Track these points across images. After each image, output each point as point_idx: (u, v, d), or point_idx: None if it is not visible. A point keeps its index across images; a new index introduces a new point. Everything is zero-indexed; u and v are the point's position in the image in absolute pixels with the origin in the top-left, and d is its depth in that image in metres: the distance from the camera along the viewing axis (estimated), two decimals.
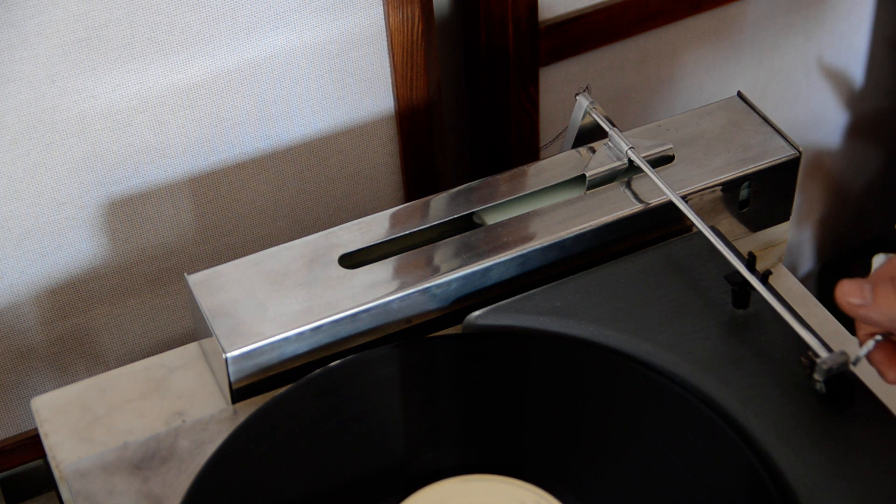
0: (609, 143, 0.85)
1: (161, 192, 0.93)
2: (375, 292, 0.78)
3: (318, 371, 0.76)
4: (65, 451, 0.75)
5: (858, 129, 1.39)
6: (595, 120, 0.86)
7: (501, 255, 0.80)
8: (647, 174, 0.83)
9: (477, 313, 0.79)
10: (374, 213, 0.83)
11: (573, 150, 0.86)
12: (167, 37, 0.88)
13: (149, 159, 0.92)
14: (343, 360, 0.77)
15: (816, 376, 0.71)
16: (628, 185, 0.84)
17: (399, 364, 0.77)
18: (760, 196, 0.86)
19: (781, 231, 0.89)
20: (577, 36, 1.09)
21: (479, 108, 1.09)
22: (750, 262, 0.77)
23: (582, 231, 0.81)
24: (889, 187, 1.47)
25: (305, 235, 0.82)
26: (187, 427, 0.75)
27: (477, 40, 1.05)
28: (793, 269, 1.45)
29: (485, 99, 1.08)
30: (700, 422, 0.71)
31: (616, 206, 0.83)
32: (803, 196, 1.40)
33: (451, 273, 0.79)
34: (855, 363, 0.70)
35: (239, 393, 0.77)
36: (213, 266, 0.80)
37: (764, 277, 0.76)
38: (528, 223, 0.82)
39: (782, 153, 0.85)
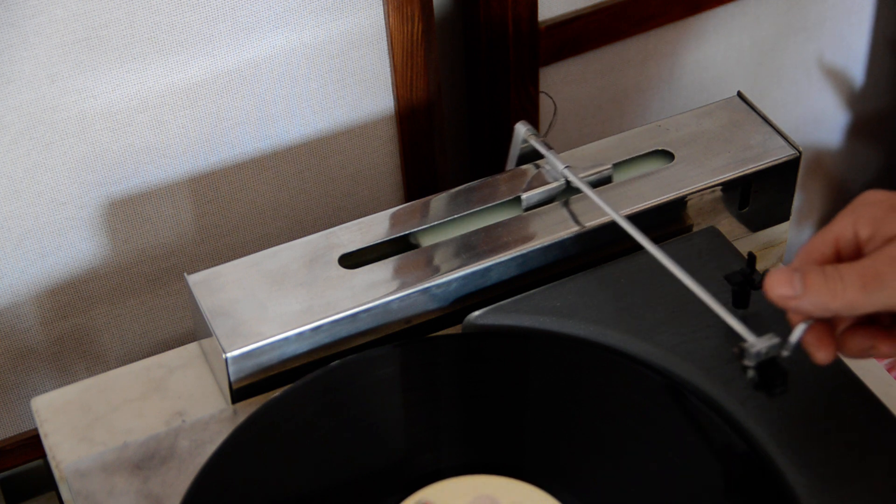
0: (546, 165, 0.85)
1: (161, 192, 0.93)
2: (375, 292, 0.78)
3: (318, 371, 0.76)
4: (65, 451, 0.75)
5: (858, 129, 1.39)
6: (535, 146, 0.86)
7: (501, 255, 0.80)
8: (586, 195, 0.82)
9: (477, 313, 0.79)
10: (374, 213, 0.83)
11: (518, 168, 0.86)
12: (167, 37, 0.88)
13: (149, 159, 0.92)
14: (343, 360, 0.77)
15: (746, 362, 0.67)
16: (566, 205, 0.83)
17: (399, 364, 0.77)
18: (760, 196, 0.86)
19: (781, 231, 0.89)
20: (577, 36, 1.09)
21: (479, 108, 1.09)
22: (750, 262, 0.77)
23: (582, 231, 0.81)
24: (890, 187, 1.47)
25: (305, 235, 0.82)
26: (187, 427, 0.75)
27: (477, 40, 1.05)
28: None
29: (485, 99, 1.08)
30: (700, 422, 0.71)
31: (616, 205, 0.83)
32: (803, 196, 1.40)
33: (451, 273, 0.79)
34: (788, 350, 0.66)
35: (239, 393, 0.77)
36: (213, 266, 0.80)
37: (763, 278, 0.76)
38: (528, 223, 0.82)
39: (782, 153, 0.85)
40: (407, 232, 0.82)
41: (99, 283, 0.94)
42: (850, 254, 0.64)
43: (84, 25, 0.85)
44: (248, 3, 0.89)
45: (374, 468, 0.71)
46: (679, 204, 0.84)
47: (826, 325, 0.65)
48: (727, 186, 0.84)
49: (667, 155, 0.86)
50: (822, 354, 0.64)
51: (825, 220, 1.45)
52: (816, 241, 0.65)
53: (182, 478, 0.72)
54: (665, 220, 0.84)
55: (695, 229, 0.85)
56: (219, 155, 0.94)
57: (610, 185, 0.84)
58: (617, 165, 0.85)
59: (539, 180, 0.84)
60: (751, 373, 0.67)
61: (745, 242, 0.88)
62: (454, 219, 0.83)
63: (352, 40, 0.95)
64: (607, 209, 0.80)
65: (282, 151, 0.97)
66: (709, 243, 0.82)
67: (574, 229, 0.81)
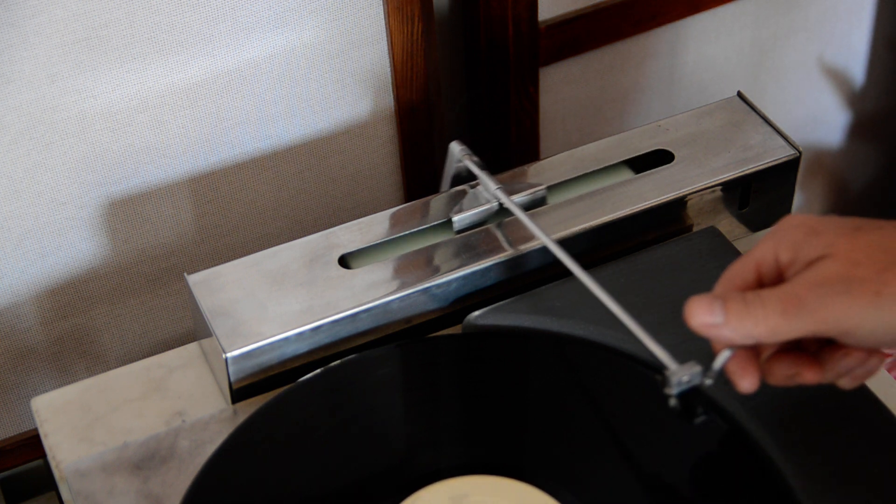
0: (480, 186, 0.83)
1: (161, 192, 0.93)
2: (375, 292, 0.78)
3: (318, 371, 0.76)
4: (65, 451, 0.75)
5: (859, 129, 1.39)
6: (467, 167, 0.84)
7: (501, 255, 0.80)
8: (518, 217, 0.80)
9: (477, 313, 0.79)
10: (374, 213, 0.83)
11: (450, 191, 0.84)
12: (167, 37, 0.88)
13: (149, 159, 0.92)
14: (343, 360, 0.77)
15: (668, 391, 0.66)
16: (499, 227, 0.82)
17: (399, 364, 0.77)
18: (760, 196, 0.86)
19: None
20: (577, 36, 1.09)
21: (479, 109, 1.09)
22: None
23: (582, 231, 0.81)
24: (889, 187, 1.47)
25: (305, 235, 0.82)
26: (187, 427, 0.75)
27: (477, 40, 1.04)
28: None
29: (485, 99, 1.08)
30: (700, 422, 0.71)
31: (615, 205, 0.83)
32: (803, 196, 1.40)
33: (451, 273, 0.79)
34: (711, 379, 0.65)
35: (239, 393, 0.77)
36: (213, 266, 0.80)
37: None
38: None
39: (782, 153, 0.85)
40: (405, 233, 0.82)
41: (99, 283, 0.94)
42: (772, 279, 0.63)
43: (84, 25, 0.85)
44: (248, 3, 0.89)
45: (374, 468, 0.71)
46: (679, 204, 0.84)
47: (750, 352, 0.63)
48: (727, 186, 0.84)
49: (666, 155, 0.86)
50: (745, 382, 0.63)
51: None
52: (738, 266, 0.64)
53: (182, 478, 0.72)
54: (665, 220, 0.84)
55: (695, 229, 0.85)
56: (219, 155, 0.94)
57: (609, 185, 0.84)
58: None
59: (472, 202, 0.82)
60: (672, 401, 0.66)
61: (745, 242, 0.88)
62: (386, 241, 0.81)
63: (352, 40, 0.95)
64: (537, 232, 0.78)
65: (282, 151, 0.97)
66: (709, 243, 0.82)
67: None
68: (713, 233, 0.83)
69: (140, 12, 0.86)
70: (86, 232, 0.92)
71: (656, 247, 0.82)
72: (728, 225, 0.86)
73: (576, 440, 0.72)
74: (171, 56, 0.89)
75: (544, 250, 0.81)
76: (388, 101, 0.99)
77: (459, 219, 0.81)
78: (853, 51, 1.31)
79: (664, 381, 0.66)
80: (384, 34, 0.95)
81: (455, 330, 0.81)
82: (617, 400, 0.74)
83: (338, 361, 0.77)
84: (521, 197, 0.82)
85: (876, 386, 0.75)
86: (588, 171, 0.85)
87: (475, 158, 0.83)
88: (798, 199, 1.39)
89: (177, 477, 0.72)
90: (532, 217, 0.80)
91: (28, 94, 0.85)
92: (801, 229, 0.62)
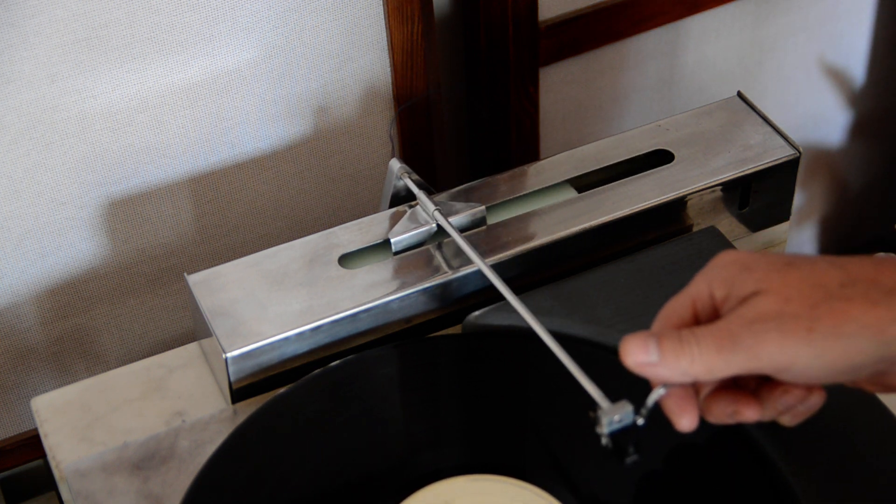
0: (419, 206, 0.83)
1: (161, 192, 0.93)
2: (375, 292, 0.78)
3: (317, 371, 0.76)
4: (65, 451, 0.75)
5: (859, 129, 1.39)
6: (408, 185, 0.83)
7: (501, 255, 0.80)
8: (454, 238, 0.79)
9: (477, 313, 0.79)
10: (374, 213, 0.83)
11: (389, 211, 0.84)
12: (167, 37, 0.88)
13: (149, 159, 0.92)
14: (343, 360, 0.77)
15: (599, 430, 0.64)
16: (439, 248, 0.81)
17: (399, 364, 0.77)
18: (760, 196, 0.86)
19: (781, 231, 0.89)
20: (577, 36, 1.09)
21: (479, 109, 1.09)
22: None
23: (581, 231, 0.81)
24: (890, 187, 1.47)
25: (305, 235, 0.82)
26: (187, 427, 0.75)
27: (477, 40, 1.04)
28: None
29: (485, 99, 1.08)
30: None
31: (616, 205, 0.83)
32: (803, 196, 1.40)
33: (451, 273, 0.79)
34: (643, 416, 0.64)
35: (239, 393, 0.77)
36: (213, 266, 0.80)
37: None
38: (527, 223, 0.82)
39: (782, 153, 0.85)
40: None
41: (99, 283, 0.94)
42: (708, 315, 0.63)
43: (84, 25, 0.84)
44: (248, 3, 0.89)
45: (374, 468, 0.71)
46: (679, 204, 0.84)
47: (688, 389, 0.63)
48: (727, 186, 0.84)
49: (666, 155, 0.86)
50: (684, 421, 0.62)
51: (825, 220, 1.45)
52: (673, 304, 0.63)
53: (182, 478, 0.72)
54: (665, 220, 0.84)
55: (695, 229, 0.85)
56: (219, 155, 0.94)
57: (609, 185, 0.84)
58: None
59: (413, 221, 0.82)
60: (604, 440, 0.65)
61: (745, 242, 0.88)
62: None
63: (352, 40, 0.95)
64: (473, 255, 0.77)
65: (282, 151, 0.97)
66: (709, 243, 0.82)
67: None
68: (713, 233, 0.83)
69: (140, 12, 0.86)
70: (86, 232, 0.92)
71: (656, 247, 0.82)
72: (728, 225, 0.86)
73: (576, 440, 0.72)
74: (171, 56, 0.89)
75: (545, 250, 0.81)
76: (388, 101, 0.99)
77: (397, 240, 0.81)
78: (853, 51, 1.31)
79: (596, 420, 0.65)
80: (384, 34, 0.95)
81: (455, 330, 0.81)
82: (616, 400, 0.74)
83: (338, 361, 0.77)
84: (460, 217, 0.81)
85: None
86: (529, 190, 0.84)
87: (415, 177, 0.83)
88: (798, 199, 1.39)
89: (177, 477, 0.72)
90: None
91: (28, 94, 0.85)
92: (734, 266, 0.62)
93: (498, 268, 0.80)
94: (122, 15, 0.85)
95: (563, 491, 0.70)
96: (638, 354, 0.61)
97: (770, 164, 0.85)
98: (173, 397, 0.78)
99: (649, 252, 0.82)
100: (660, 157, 0.86)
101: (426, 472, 0.71)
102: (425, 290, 0.79)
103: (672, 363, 0.60)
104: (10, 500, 1.06)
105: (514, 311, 0.78)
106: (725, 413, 0.63)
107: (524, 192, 0.84)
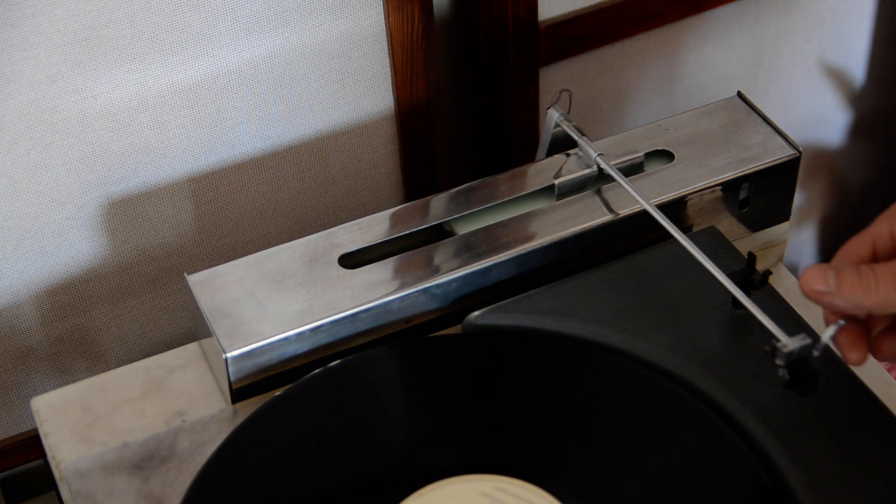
0: (579, 152, 0.85)
1: (161, 192, 0.93)
2: (375, 292, 0.78)
3: (317, 371, 0.76)
4: (65, 451, 0.75)
5: (859, 129, 1.39)
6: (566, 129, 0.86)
7: (501, 255, 0.80)
8: (618, 182, 0.82)
9: (477, 313, 0.79)
10: (374, 213, 0.83)
11: (549, 159, 0.86)
12: (167, 37, 0.88)
13: (149, 159, 0.92)
14: (343, 360, 0.77)
15: (778, 361, 0.69)
16: (599, 193, 0.83)
17: (399, 364, 0.77)
18: (760, 196, 0.86)
19: (781, 231, 0.89)
20: (577, 36, 1.09)
21: (479, 109, 1.09)
22: (750, 262, 0.77)
23: (582, 231, 0.81)
24: (890, 187, 1.47)
25: (305, 235, 0.82)
26: (187, 427, 0.75)
27: (477, 40, 1.04)
28: (793, 269, 1.45)
29: (485, 99, 1.08)
30: (700, 422, 0.71)
31: (615, 205, 0.83)
32: (803, 196, 1.40)
33: (451, 273, 0.79)
34: (819, 349, 0.68)
35: (239, 393, 0.77)
36: (213, 266, 0.80)
37: (763, 278, 0.76)
38: (528, 223, 0.82)
39: (782, 153, 0.85)
40: (407, 232, 0.82)
41: (99, 283, 0.94)
42: (888, 254, 0.65)
43: (84, 25, 0.85)
44: (248, 3, 0.89)
45: (374, 468, 0.71)
46: (679, 204, 0.84)
47: (860, 326, 0.66)
48: (727, 186, 0.84)
49: (666, 155, 0.86)
50: (854, 355, 0.66)
51: (825, 220, 1.45)
52: (854, 242, 0.66)
53: (182, 478, 0.72)
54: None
55: (695, 229, 0.85)
56: (219, 155, 0.94)
57: (609, 185, 0.84)
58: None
59: (571, 167, 0.85)
60: (781, 371, 0.68)
61: (745, 242, 0.88)
62: (490, 207, 0.83)
63: (352, 40, 0.95)
64: (637, 196, 0.80)
65: (282, 151, 0.97)
66: (709, 243, 0.82)
67: (608, 217, 0.82)
68: (713, 233, 0.83)
69: (140, 12, 0.86)
70: (86, 232, 0.92)
71: (656, 247, 0.82)
72: (728, 225, 0.86)
73: (576, 440, 0.72)
74: (171, 56, 0.89)
75: (544, 250, 0.81)
76: (388, 101, 0.99)
77: (562, 182, 0.83)
78: (853, 51, 1.31)
79: (774, 352, 0.68)
80: (384, 34, 0.95)
81: (455, 330, 0.81)
82: (617, 400, 0.74)
83: (338, 361, 0.77)
84: (619, 163, 0.84)
85: (876, 386, 0.75)
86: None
87: (574, 123, 0.86)
88: (798, 199, 1.39)
89: (177, 477, 0.72)
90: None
91: (28, 94, 0.85)
92: None
93: (497, 268, 0.80)
94: (122, 15, 0.85)
95: (563, 491, 0.70)
96: (817, 282, 0.64)
97: (770, 164, 0.85)
98: (173, 397, 0.78)
99: (649, 252, 0.82)
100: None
101: (426, 472, 0.71)
102: (425, 290, 0.79)
103: (849, 294, 0.63)
104: (10, 500, 1.06)
105: (513, 311, 0.78)
106: (894, 352, 0.66)
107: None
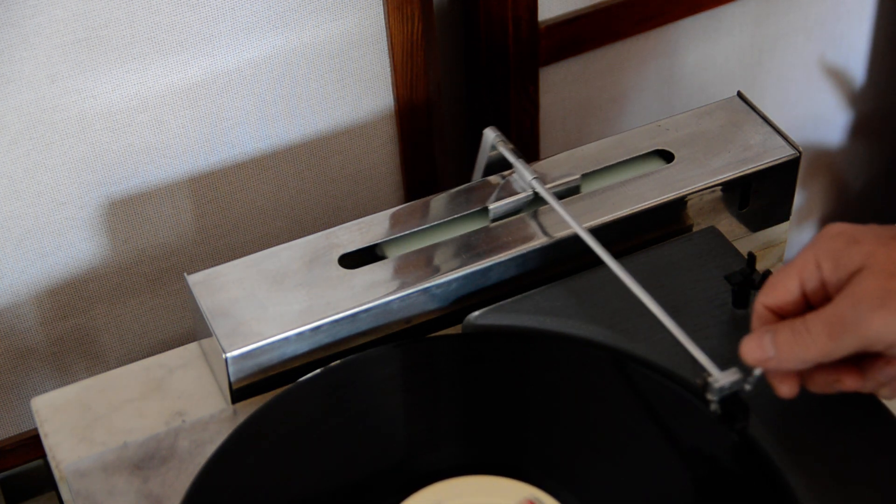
0: (515, 175, 0.84)
1: (161, 192, 0.93)
2: (375, 292, 0.78)
3: (317, 371, 0.76)
4: (65, 451, 0.75)
5: (859, 129, 1.39)
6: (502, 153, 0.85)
7: (501, 255, 0.80)
8: (552, 206, 0.81)
9: (477, 313, 0.79)
10: (374, 213, 0.83)
11: (484, 180, 0.85)
12: (167, 37, 0.88)
13: (149, 159, 0.92)
14: (343, 360, 0.77)
15: (710, 396, 0.68)
16: (535, 216, 0.82)
17: (399, 364, 0.77)
18: (760, 196, 0.86)
19: (781, 231, 0.89)
20: (577, 36, 1.09)
21: (479, 109, 1.09)
22: (750, 262, 0.77)
23: (590, 228, 0.81)
24: (890, 187, 1.47)
25: (305, 235, 0.82)
26: (187, 427, 0.75)
27: (477, 40, 1.05)
28: None
29: (485, 99, 1.08)
30: (700, 422, 0.71)
31: (616, 205, 0.83)
32: (804, 196, 1.40)
33: (451, 273, 0.79)
34: (751, 383, 0.68)
35: (239, 393, 0.77)
36: (213, 266, 0.80)
37: (763, 278, 0.75)
38: (528, 223, 0.82)
39: (782, 153, 0.85)
40: (405, 233, 0.82)
41: (99, 283, 0.94)
42: (815, 287, 0.65)
43: (84, 25, 0.85)
44: (248, 3, 0.89)
45: (374, 468, 0.71)
46: (679, 204, 0.84)
47: None
48: (727, 186, 0.84)
49: (666, 155, 0.86)
50: (785, 388, 0.66)
51: (825, 220, 1.45)
52: (781, 276, 0.66)
53: (182, 478, 0.72)
54: (665, 220, 0.84)
55: (695, 229, 0.85)
56: (219, 155, 0.94)
57: (609, 185, 0.84)
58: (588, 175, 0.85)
59: (507, 190, 0.83)
60: (713, 406, 0.68)
61: (745, 242, 0.88)
62: (420, 230, 0.82)
63: (352, 40, 0.95)
64: (571, 221, 0.79)
65: (282, 151, 0.97)
66: (709, 243, 0.82)
67: (542, 241, 0.81)
68: (713, 233, 0.83)
69: (140, 12, 0.86)
70: (86, 232, 0.92)
71: (656, 247, 0.82)
72: (728, 225, 0.86)
73: (576, 440, 0.72)
74: (171, 56, 0.89)
75: (544, 250, 0.81)
76: (388, 101, 0.99)
77: (496, 207, 0.82)
78: (853, 51, 1.31)
79: (705, 386, 0.68)
80: (384, 34, 0.95)
81: (455, 330, 0.81)
82: (617, 400, 0.74)
83: (338, 361, 0.77)
84: (554, 186, 0.83)
85: None
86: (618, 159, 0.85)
87: (510, 146, 0.84)
88: (798, 198, 1.39)
89: (177, 477, 0.72)
90: (564, 206, 0.81)
91: (28, 94, 0.85)
92: (840, 238, 0.64)
93: (497, 268, 0.80)
94: (122, 15, 0.85)
95: (563, 491, 0.70)
96: (756, 352, 0.64)
97: (770, 164, 0.85)
98: (173, 397, 0.78)
99: (649, 252, 0.82)
100: (660, 157, 0.86)
101: (426, 472, 0.71)
102: (425, 290, 0.79)
103: (789, 355, 0.63)
104: (10, 500, 1.06)
105: (513, 311, 0.78)
106: (827, 382, 0.66)
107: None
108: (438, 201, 0.83)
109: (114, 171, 0.91)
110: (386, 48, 0.96)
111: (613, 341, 0.76)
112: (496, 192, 0.83)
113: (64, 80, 0.86)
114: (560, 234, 0.81)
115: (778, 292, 0.65)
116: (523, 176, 0.83)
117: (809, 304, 0.66)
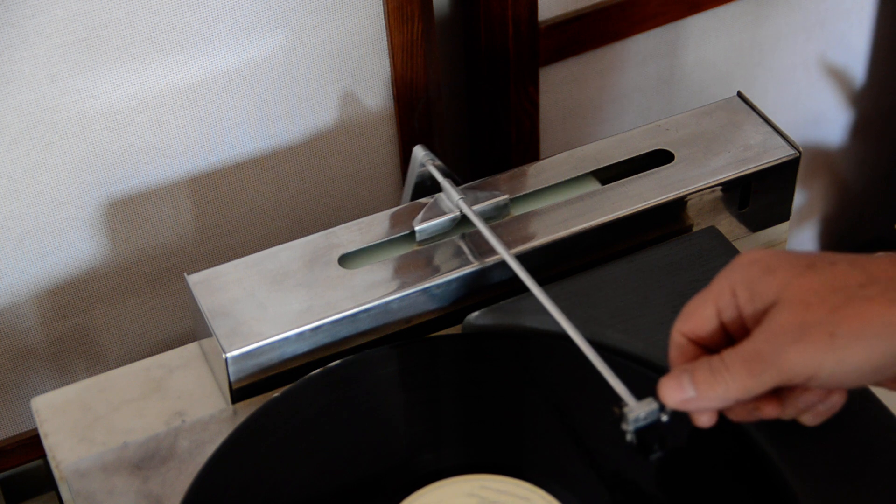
0: (443, 195, 0.83)
1: (161, 192, 0.93)
2: (375, 292, 0.78)
3: (317, 371, 0.76)
4: (65, 451, 0.75)
5: (859, 129, 1.39)
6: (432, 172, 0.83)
7: (500, 255, 0.80)
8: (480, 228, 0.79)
9: (477, 313, 0.79)
10: (374, 213, 0.83)
11: (415, 202, 0.83)
12: (167, 37, 0.88)
13: (149, 159, 0.92)
14: (343, 360, 0.77)
15: (625, 426, 0.67)
16: (464, 238, 0.81)
17: (399, 364, 0.77)
18: (760, 196, 0.86)
19: (781, 231, 0.89)
20: (577, 36, 1.09)
21: (479, 109, 1.09)
22: None
23: (581, 231, 0.81)
24: (890, 187, 1.47)
25: (305, 235, 0.82)
26: (187, 427, 0.75)
27: (477, 40, 1.05)
28: None
29: (485, 99, 1.08)
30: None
31: (616, 205, 0.83)
32: (804, 196, 1.40)
33: (451, 273, 0.79)
34: (667, 413, 0.66)
35: (239, 393, 0.77)
36: (213, 266, 0.80)
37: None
38: (528, 223, 0.82)
39: (782, 153, 0.85)
40: (408, 232, 0.82)
41: (99, 283, 0.94)
42: (731, 314, 0.64)
43: (84, 25, 0.85)
44: (248, 3, 0.89)
45: (374, 468, 0.71)
46: (679, 204, 0.84)
47: None
48: (727, 186, 0.84)
49: (666, 155, 0.86)
50: (704, 419, 0.64)
51: (825, 220, 1.45)
52: (697, 301, 0.64)
53: (182, 478, 0.72)
54: (665, 220, 0.84)
55: (695, 229, 0.85)
56: (219, 155, 0.94)
57: (608, 185, 0.84)
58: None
59: (434, 211, 0.82)
60: (629, 436, 0.67)
61: (745, 242, 0.88)
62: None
63: (352, 40, 0.95)
64: (496, 244, 0.78)
65: (282, 151, 0.97)
66: (709, 243, 0.82)
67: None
68: (713, 233, 0.83)
69: (140, 12, 0.86)
70: (86, 232, 0.92)
71: (656, 247, 0.82)
72: (728, 225, 0.86)
73: (576, 440, 0.72)
74: (171, 56, 0.89)
75: (545, 249, 0.81)
76: (388, 101, 0.99)
77: (421, 229, 0.81)
78: (853, 51, 1.31)
79: (621, 416, 0.67)
80: (384, 34, 0.95)
81: (455, 330, 0.81)
82: (617, 400, 0.74)
83: (338, 361, 0.77)
84: (483, 206, 0.82)
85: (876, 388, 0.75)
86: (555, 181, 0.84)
87: (439, 163, 0.83)
88: (798, 199, 1.39)
89: (177, 477, 0.72)
90: (501, 227, 0.80)
91: (28, 94, 0.85)
92: (755, 266, 0.63)
93: (496, 268, 0.80)
94: (122, 15, 0.85)
95: (563, 491, 0.70)
96: (675, 394, 0.63)
97: (770, 164, 0.85)
98: (173, 397, 0.78)
99: (649, 252, 0.82)
100: (660, 157, 0.86)
101: (426, 472, 0.71)
102: (425, 290, 0.79)
103: (709, 394, 0.62)
104: (10, 500, 1.06)
105: (513, 311, 0.78)
106: (746, 411, 0.65)
107: (526, 192, 0.84)
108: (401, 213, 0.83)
109: (114, 171, 0.91)
110: (386, 48, 0.96)
111: (613, 341, 0.76)
112: (422, 213, 0.82)
113: (64, 80, 0.86)
114: (489, 259, 0.79)
115: (695, 320, 0.64)
116: (450, 196, 0.82)
117: (727, 332, 0.65)
